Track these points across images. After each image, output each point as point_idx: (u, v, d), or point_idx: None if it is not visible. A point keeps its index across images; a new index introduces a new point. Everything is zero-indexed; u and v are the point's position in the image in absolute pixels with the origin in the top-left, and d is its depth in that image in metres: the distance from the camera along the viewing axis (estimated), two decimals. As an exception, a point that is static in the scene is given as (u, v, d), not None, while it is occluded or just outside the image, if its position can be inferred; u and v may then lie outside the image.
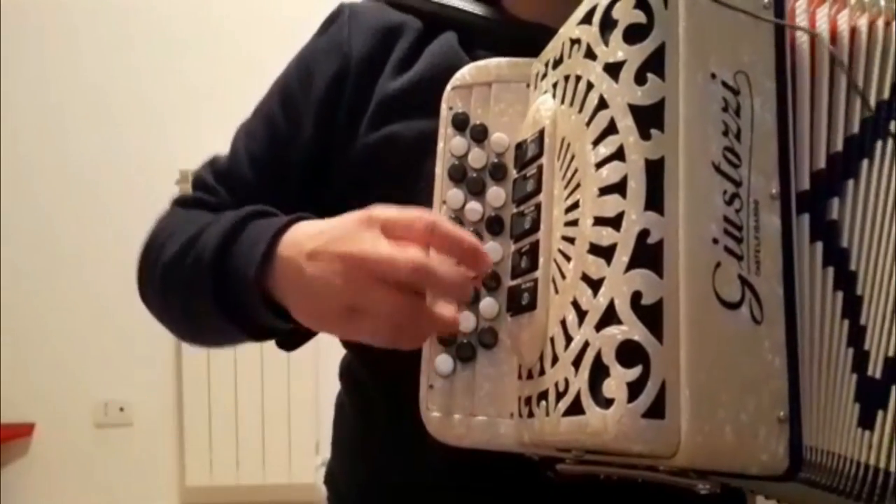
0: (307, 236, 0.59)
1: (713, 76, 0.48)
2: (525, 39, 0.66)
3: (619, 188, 0.47)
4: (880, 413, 0.47)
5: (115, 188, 2.76)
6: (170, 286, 0.70)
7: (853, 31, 0.51)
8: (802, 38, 0.52)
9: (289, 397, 2.69)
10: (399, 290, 0.53)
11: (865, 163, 0.50)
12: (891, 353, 0.47)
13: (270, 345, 0.72)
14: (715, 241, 0.46)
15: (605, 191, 0.48)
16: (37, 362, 2.74)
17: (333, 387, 0.82)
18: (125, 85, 2.80)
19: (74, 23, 2.80)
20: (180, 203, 0.79)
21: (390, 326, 0.54)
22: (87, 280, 2.75)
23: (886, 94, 0.50)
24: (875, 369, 0.47)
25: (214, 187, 0.77)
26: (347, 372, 0.80)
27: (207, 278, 0.64)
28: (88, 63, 2.80)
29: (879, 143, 0.50)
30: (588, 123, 0.51)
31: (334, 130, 0.74)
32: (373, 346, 0.56)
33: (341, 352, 0.80)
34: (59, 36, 2.79)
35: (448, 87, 0.65)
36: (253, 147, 0.77)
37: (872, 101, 0.50)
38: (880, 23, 0.51)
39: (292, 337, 0.70)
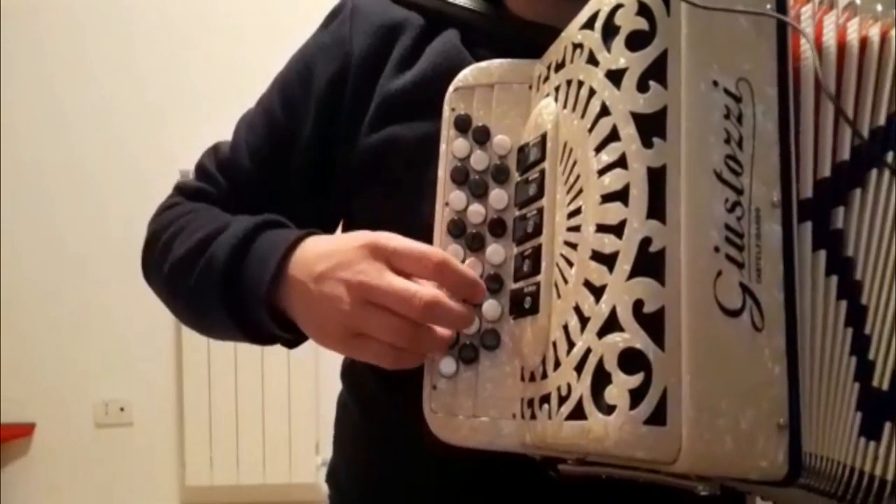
0: (316, 257, 0.61)
1: (715, 83, 0.48)
2: (528, 39, 0.66)
3: (621, 196, 0.47)
4: (887, 425, 0.47)
5: (116, 188, 2.76)
6: (177, 286, 0.72)
7: (864, 42, 0.51)
8: (806, 45, 0.51)
9: (289, 397, 2.69)
10: (400, 317, 0.55)
11: (874, 173, 0.50)
12: None
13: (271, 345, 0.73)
14: (716, 249, 0.46)
15: (607, 198, 0.48)
16: (37, 362, 2.75)
17: (334, 386, 0.83)
18: (125, 84, 2.80)
19: (75, 22, 2.80)
20: (183, 191, 0.80)
21: (393, 350, 0.57)
22: (87, 280, 2.75)
23: None
24: (882, 381, 0.48)
25: (216, 176, 0.78)
26: (349, 372, 0.80)
27: (217, 290, 0.66)
28: (89, 62, 2.80)
29: (891, 154, 0.50)
30: (590, 130, 0.51)
31: (335, 129, 0.74)
32: None
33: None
34: (59, 35, 2.79)
35: (450, 89, 0.65)
36: (253, 139, 0.77)
37: (883, 114, 0.50)
38: (893, 33, 0.51)
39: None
